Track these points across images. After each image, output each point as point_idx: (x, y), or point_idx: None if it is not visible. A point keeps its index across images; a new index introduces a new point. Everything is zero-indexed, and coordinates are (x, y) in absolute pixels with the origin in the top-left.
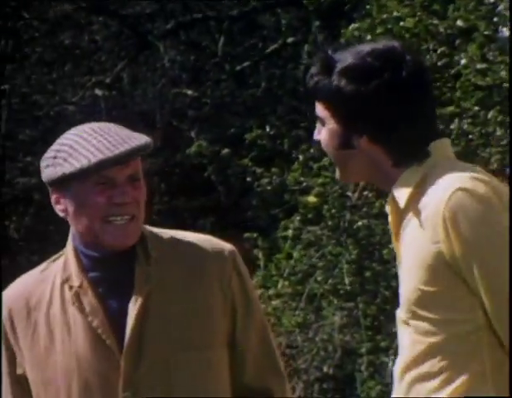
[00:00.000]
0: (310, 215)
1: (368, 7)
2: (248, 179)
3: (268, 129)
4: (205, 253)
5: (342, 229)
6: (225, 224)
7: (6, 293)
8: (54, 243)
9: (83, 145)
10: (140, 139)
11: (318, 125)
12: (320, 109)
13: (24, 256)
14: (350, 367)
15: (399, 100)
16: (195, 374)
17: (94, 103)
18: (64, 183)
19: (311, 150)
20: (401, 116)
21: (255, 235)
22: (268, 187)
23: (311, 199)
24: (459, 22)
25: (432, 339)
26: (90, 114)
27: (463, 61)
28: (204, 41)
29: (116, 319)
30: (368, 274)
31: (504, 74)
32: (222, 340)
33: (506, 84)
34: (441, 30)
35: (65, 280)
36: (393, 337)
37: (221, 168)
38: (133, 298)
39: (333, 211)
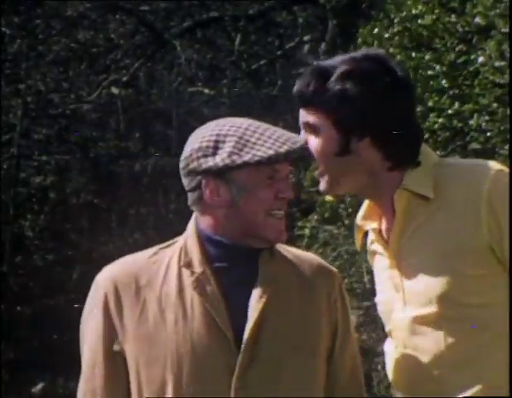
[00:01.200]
0: (327, 215)
1: (386, 5)
2: None
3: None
4: (316, 268)
5: None
6: None
7: (108, 269)
8: (69, 241)
9: (257, 137)
10: (298, 138)
11: (304, 134)
12: (313, 117)
13: (39, 255)
14: (366, 367)
15: (400, 100)
16: (300, 380)
17: (111, 101)
18: (229, 173)
19: None
20: (401, 116)
21: None
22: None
23: (328, 198)
24: (477, 20)
25: (471, 324)
26: (106, 112)
27: (481, 59)
28: (220, 40)
29: (236, 312)
30: None
31: None
32: (324, 353)
33: None
34: (459, 27)
35: (186, 265)
36: None
37: None
38: (256, 294)
39: (350, 210)
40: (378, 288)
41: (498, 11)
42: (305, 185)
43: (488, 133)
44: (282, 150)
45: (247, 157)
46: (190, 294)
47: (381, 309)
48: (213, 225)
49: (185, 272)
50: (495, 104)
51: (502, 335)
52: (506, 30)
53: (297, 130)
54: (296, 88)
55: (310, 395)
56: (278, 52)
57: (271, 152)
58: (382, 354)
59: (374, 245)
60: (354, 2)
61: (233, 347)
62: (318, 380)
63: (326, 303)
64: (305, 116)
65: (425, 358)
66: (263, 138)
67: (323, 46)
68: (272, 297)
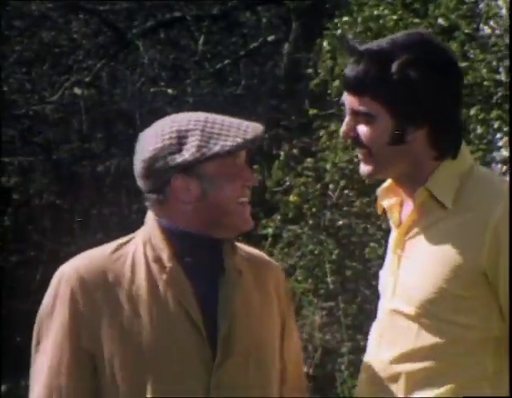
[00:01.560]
0: (291, 214)
1: (350, 6)
2: None
3: None
4: (264, 262)
5: (323, 228)
6: None
7: (72, 264)
8: (32, 242)
9: (218, 127)
10: (255, 124)
11: (350, 120)
12: (368, 105)
13: (2, 256)
14: (330, 367)
15: (455, 90)
16: (268, 371)
17: (73, 102)
18: (197, 167)
19: (294, 150)
20: (455, 107)
21: None
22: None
23: (292, 198)
24: (440, 21)
25: (441, 339)
26: (69, 113)
27: None
28: (183, 40)
29: (206, 306)
30: (348, 273)
31: (484, 72)
32: (277, 343)
33: (487, 83)
34: (422, 28)
35: (156, 260)
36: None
37: None
38: (225, 288)
39: (313, 209)
40: (385, 260)
41: (461, 12)
42: (269, 185)
43: None
44: (248, 137)
45: (216, 148)
46: (163, 290)
47: (380, 283)
48: (178, 219)
49: (155, 267)
50: None
51: (458, 365)
52: (469, 31)
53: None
54: (350, 73)
55: (274, 386)
56: (242, 52)
57: (239, 140)
58: (345, 354)
59: (391, 218)
60: (317, 3)
61: (206, 343)
62: (277, 370)
63: (275, 295)
64: (356, 104)
65: (394, 352)
66: (224, 128)
67: (286, 46)
68: (240, 289)
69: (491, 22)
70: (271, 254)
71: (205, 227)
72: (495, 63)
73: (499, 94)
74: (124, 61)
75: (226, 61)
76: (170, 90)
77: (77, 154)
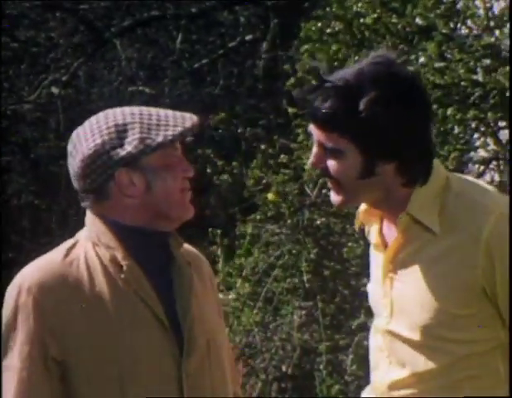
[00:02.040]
0: (269, 214)
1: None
2: (209, 171)
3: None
4: (197, 254)
5: (301, 227)
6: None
7: (28, 273)
8: (10, 243)
9: (155, 118)
10: (188, 113)
11: (318, 152)
12: (336, 141)
13: None
14: (308, 366)
15: (422, 120)
16: (222, 362)
17: (51, 101)
18: (140, 160)
19: (271, 149)
20: (422, 135)
21: (219, 231)
22: (230, 180)
23: (271, 197)
24: (418, 20)
25: (453, 358)
26: (47, 112)
27: (422, 60)
28: (161, 39)
29: (164, 301)
30: (327, 272)
31: (462, 72)
32: None
33: (464, 83)
34: (400, 28)
35: (112, 261)
36: (352, 335)
37: None
38: (179, 281)
39: (292, 209)
40: (371, 276)
41: (438, 12)
42: (248, 184)
43: None
44: (188, 125)
45: (160, 139)
46: (124, 289)
47: (370, 298)
48: (124, 215)
49: (111, 267)
50: (434, 106)
51: (474, 378)
52: (447, 31)
53: (238, 129)
54: (317, 109)
55: (228, 373)
56: (220, 51)
57: (179, 129)
58: (324, 354)
59: (372, 238)
60: (295, 2)
61: (172, 337)
62: (228, 356)
63: (211, 286)
64: (324, 138)
65: (404, 373)
66: (162, 119)
67: (264, 45)
68: (191, 281)
69: (469, 22)
70: (249, 254)
71: (151, 220)
72: (472, 63)
73: (477, 94)
74: (102, 60)
75: (204, 60)
76: (147, 90)
77: (55, 154)
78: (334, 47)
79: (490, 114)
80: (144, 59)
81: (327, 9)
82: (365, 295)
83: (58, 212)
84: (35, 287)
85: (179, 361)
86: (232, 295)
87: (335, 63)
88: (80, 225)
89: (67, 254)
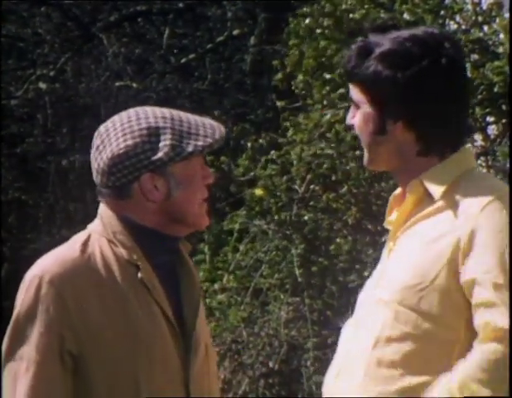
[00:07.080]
0: (257, 209)
1: None
2: None
3: None
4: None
5: (289, 223)
6: None
7: (49, 265)
8: None
9: (187, 126)
10: (216, 122)
11: (352, 109)
12: (355, 93)
13: None
14: (295, 362)
15: (437, 87)
16: (215, 360)
17: (38, 96)
18: (166, 167)
19: (260, 140)
20: (438, 103)
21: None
22: (217, 175)
23: (258, 192)
24: (406, 15)
25: (411, 330)
26: (34, 107)
27: None
28: (148, 34)
29: (174, 303)
30: (314, 268)
31: None
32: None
33: None
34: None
35: (127, 259)
36: (339, 332)
37: None
38: (190, 284)
39: (279, 204)
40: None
41: (427, 7)
42: (236, 173)
43: None
44: (217, 136)
45: (190, 149)
46: (140, 289)
47: (357, 304)
48: (142, 217)
49: (128, 268)
50: None
51: (424, 358)
52: (435, 26)
53: (227, 124)
54: (344, 58)
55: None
56: (208, 46)
57: (209, 140)
58: (311, 350)
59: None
60: None
61: (180, 339)
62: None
63: (199, 289)
64: (350, 90)
65: (365, 330)
66: (193, 127)
67: (252, 39)
68: (199, 286)
69: (457, 18)
70: (237, 249)
71: (167, 225)
72: None
73: None
74: (89, 55)
75: (192, 55)
76: (135, 85)
77: (42, 149)
78: (322, 43)
79: (477, 110)
80: (131, 54)
81: (315, 6)
82: (353, 291)
83: (45, 208)
84: (57, 280)
85: (184, 362)
86: (215, 286)
87: (323, 59)
88: (67, 221)
89: (84, 250)
